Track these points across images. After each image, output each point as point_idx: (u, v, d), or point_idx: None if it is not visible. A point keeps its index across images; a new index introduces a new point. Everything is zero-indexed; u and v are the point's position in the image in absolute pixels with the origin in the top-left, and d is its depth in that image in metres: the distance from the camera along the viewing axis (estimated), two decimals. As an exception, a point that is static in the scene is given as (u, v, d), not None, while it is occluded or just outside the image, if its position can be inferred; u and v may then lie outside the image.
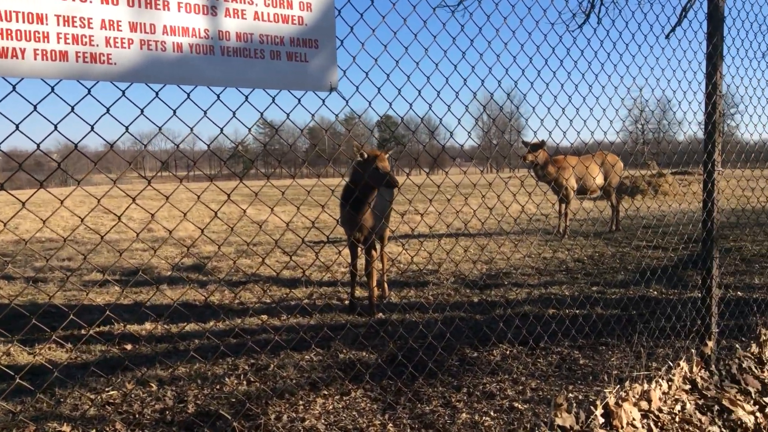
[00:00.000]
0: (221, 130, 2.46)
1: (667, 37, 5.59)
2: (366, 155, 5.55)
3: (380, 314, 6.10)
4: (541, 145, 11.53)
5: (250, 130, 2.47)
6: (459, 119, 3.24)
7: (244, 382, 4.38)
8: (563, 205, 12.05)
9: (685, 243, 9.43)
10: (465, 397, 4.01)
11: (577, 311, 5.94)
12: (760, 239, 10.80)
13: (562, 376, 4.39)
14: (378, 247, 6.38)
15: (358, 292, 6.47)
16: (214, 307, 6.48)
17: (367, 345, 5.03)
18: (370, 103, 2.88)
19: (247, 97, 2.40)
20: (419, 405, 3.90)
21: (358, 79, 2.73)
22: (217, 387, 4.30)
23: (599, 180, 12.33)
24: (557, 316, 5.45)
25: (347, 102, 2.66)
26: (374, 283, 6.15)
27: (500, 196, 4.13)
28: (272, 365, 4.67)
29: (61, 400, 4.08)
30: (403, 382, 4.20)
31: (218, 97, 2.34)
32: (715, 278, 4.31)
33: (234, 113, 2.39)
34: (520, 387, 4.17)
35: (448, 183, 3.91)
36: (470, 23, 3.19)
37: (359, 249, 6.11)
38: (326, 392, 4.12)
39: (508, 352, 4.90)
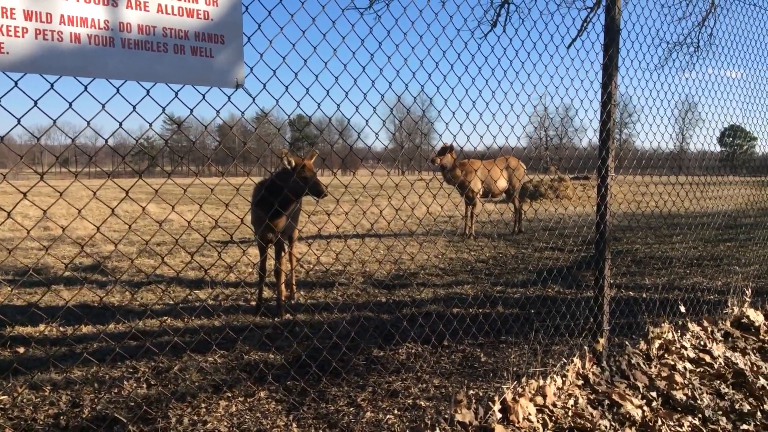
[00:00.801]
0: (120, 124, 2.40)
1: (568, 47, 5.85)
2: (293, 163, 5.42)
3: (288, 315, 6.07)
4: (448, 148, 11.82)
5: (151, 125, 2.41)
6: (367, 120, 3.28)
7: (144, 385, 4.26)
8: (469, 207, 12.37)
9: (582, 245, 9.88)
10: (370, 396, 4.05)
11: (480, 310, 6.11)
12: (651, 242, 11.43)
13: (464, 373, 4.51)
14: (286, 247, 6.34)
15: (266, 293, 6.41)
16: (112, 308, 6.26)
17: (272, 346, 5.00)
18: (277, 101, 2.88)
19: (148, 91, 2.35)
20: (324, 405, 3.91)
21: (266, 77, 2.72)
22: (115, 391, 4.16)
23: (503, 183, 12.74)
24: (461, 315, 5.59)
25: (254, 99, 2.64)
26: (282, 284, 6.11)
27: (406, 197, 4.21)
28: (174, 368, 4.56)
29: (-56, 407, 3.84)
30: (308, 382, 4.20)
31: (118, 90, 2.28)
32: (607, 278, 4.54)
33: (134, 107, 2.32)
34: (424, 385, 4.26)
35: (356, 184, 3.94)
36: (379, 26, 3.23)
37: (268, 249, 6.05)
38: (230, 394, 4.07)
39: (413, 351, 4.98)
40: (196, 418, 3.70)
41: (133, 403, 3.91)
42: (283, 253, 6.07)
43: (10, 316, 5.80)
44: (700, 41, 10.45)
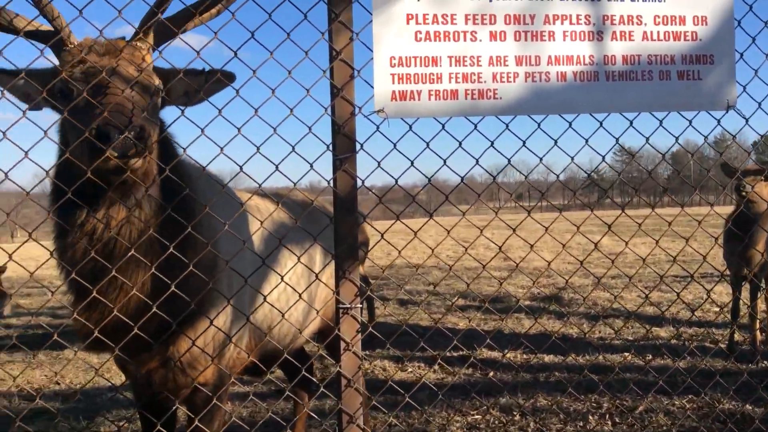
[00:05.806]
0: (572, 159, 2.41)
1: None
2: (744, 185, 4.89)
3: (765, 362, 5.32)
4: None
5: (603, 158, 2.38)
6: None
7: (609, 423, 4.17)
8: None
9: None
10: None
11: None
12: None
13: None
14: (763, 285, 5.59)
15: (737, 336, 5.76)
16: (570, 339, 6.36)
17: (749, 397, 4.41)
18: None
19: (631, 122, 2.29)
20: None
21: (761, 95, 2.41)
22: (580, 424, 4.16)
23: None
24: None
25: (747, 121, 2.36)
26: (757, 326, 5.40)
27: None
28: (638, 407, 4.37)
29: (430, 418, 4.31)
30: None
31: (601, 124, 2.27)
32: None
33: (587, 141, 2.29)
34: None
35: None
36: None
37: (743, 287, 5.43)
38: (703, 445, 3.70)
39: None
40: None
41: (599, 440, 3.85)
42: (759, 293, 5.37)
43: (479, 340, 6.33)
44: None
